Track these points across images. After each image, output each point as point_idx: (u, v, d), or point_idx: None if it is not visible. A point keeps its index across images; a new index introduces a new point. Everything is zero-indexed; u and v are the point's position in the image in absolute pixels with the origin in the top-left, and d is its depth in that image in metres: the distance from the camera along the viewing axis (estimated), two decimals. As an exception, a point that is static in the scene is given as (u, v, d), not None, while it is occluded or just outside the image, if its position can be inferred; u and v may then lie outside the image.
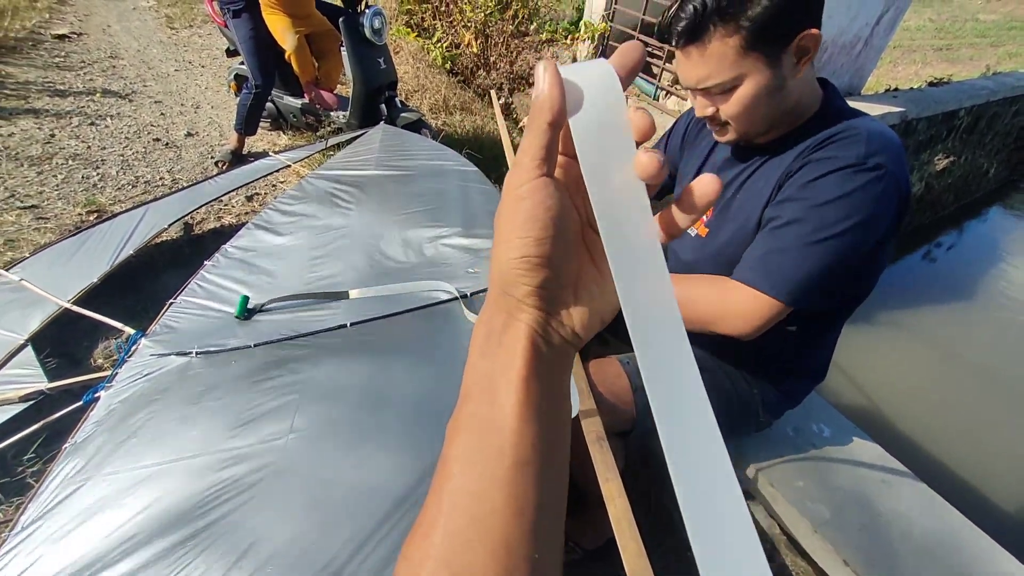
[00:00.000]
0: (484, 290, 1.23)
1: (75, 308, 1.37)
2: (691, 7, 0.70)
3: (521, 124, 3.81)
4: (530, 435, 0.22)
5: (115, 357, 1.37)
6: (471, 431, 0.23)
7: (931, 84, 3.99)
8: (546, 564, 0.22)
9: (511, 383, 0.23)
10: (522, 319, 0.24)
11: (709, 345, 1.01)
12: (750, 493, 1.10)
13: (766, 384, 0.97)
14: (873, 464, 1.09)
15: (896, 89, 3.74)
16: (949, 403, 2.55)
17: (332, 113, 2.66)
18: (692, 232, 0.96)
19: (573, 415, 0.89)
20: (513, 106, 4.09)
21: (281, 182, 2.51)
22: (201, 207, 1.89)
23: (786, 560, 1.10)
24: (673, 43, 0.75)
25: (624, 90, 0.24)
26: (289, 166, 2.06)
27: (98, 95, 3.08)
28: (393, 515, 0.76)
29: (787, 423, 1.11)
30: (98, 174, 2.38)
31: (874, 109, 3.06)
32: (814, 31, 0.70)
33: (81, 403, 1.03)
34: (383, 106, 2.52)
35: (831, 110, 0.80)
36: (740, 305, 0.77)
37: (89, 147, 2.57)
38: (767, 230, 0.78)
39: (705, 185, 0.23)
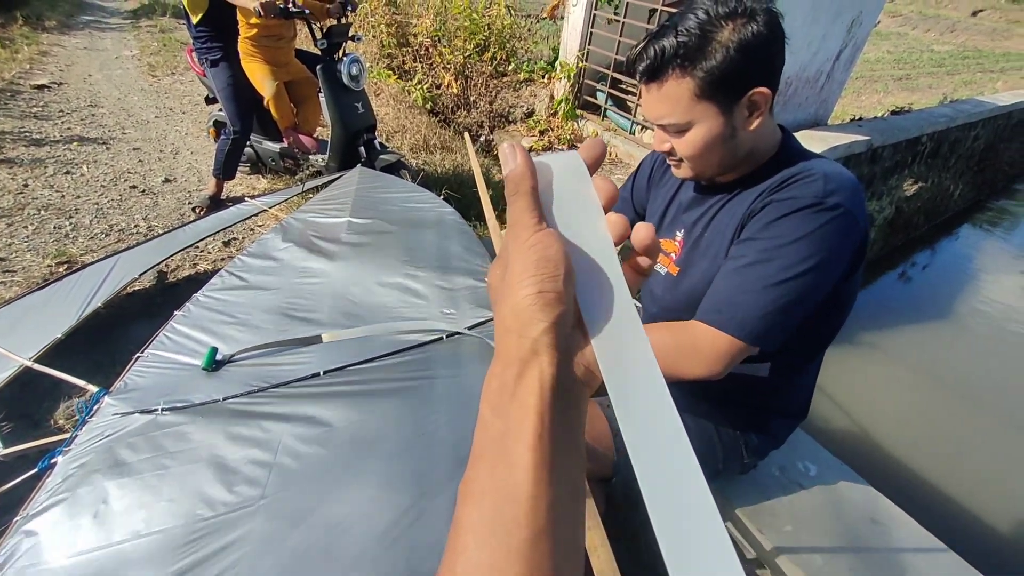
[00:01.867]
0: (459, 332, 1.20)
1: (36, 366, 1.31)
2: (653, 49, 0.74)
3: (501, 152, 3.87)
4: (547, 500, 0.22)
5: (76, 418, 1.31)
6: (485, 498, 0.22)
7: (893, 112, 4.17)
8: None
9: (526, 442, 0.22)
10: (536, 365, 0.24)
11: (690, 392, 0.99)
12: (739, 540, 1.06)
13: (748, 427, 0.96)
14: (861, 503, 1.06)
15: (861, 119, 3.89)
16: (934, 430, 2.55)
17: (311, 156, 2.68)
18: (663, 271, 0.97)
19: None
20: (494, 143, 4.17)
21: (259, 226, 2.49)
22: (175, 254, 1.86)
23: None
24: (636, 78, 0.79)
25: (591, 175, 0.28)
26: (266, 210, 2.05)
27: (75, 143, 3.07)
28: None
29: (772, 463, 1.09)
30: (71, 224, 2.34)
31: (841, 138, 3.17)
32: (764, 90, 0.74)
33: (36, 470, 0.97)
34: (362, 149, 2.55)
35: (789, 152, 0.83)
36: (702, 344, 0.77)
37: (63, 196, 2.54)
38: (730, 268, 0.79)
39: (639, 233, 0.27)
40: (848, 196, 0.73)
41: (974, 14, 16.99)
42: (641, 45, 0.76)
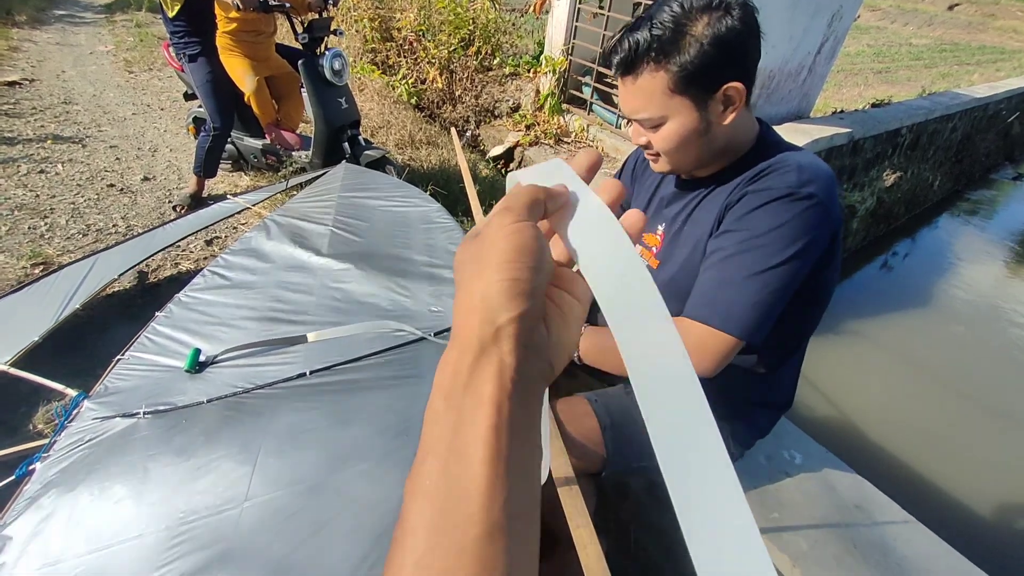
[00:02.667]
0: (447, 329, 1.20)
1: (12, 371, 1.28)
2: (628, 42, 0.74)
3: (489, 155, 3.86)
4: (501, 496, 0.21)
5: (56, 423, 1.28)
6: (436, 495, 0.21)
7: (874, 105, 4.23)
8: None
9: (480, 435, 0.21)
10: (497, 353, 0.23)
11: None
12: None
13: (733, 417, 0.97)
14: (847, 490, 1.08)
15: (842, 111, 3.95)
16: (916, 416, 2.61)
17: (294, 153, 2.64)
18: (644, 263, 0.97)
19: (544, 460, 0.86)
20: (480, 138, 4.15)
21: (242, 224, 2.45)
22: (156, 254, 1.82)
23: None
24: (612, 71, 0.79)
25: (588, 183, 0.29)
26: (249, 208, 2.02)
27: (49, 141, 2.98)
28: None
29: (759, 452, 1.11)
30: (46, 224, 2.28)
31: (824, 131, 3.21)
32: (738, 85, 0.74)
33: (14, 477, 0.95)
34: (346, 144, 2.52)
35: (766, 144, 0.84)
36: (696, 343, 0.77)
37: (38, 196, 2.47)
38: (712, 262, 0.79)
39: (630, 218, 0.29)
40: (822, 186, 0.75)
41: (950, 8, 17.29)
42: (616, 37, 0.76)
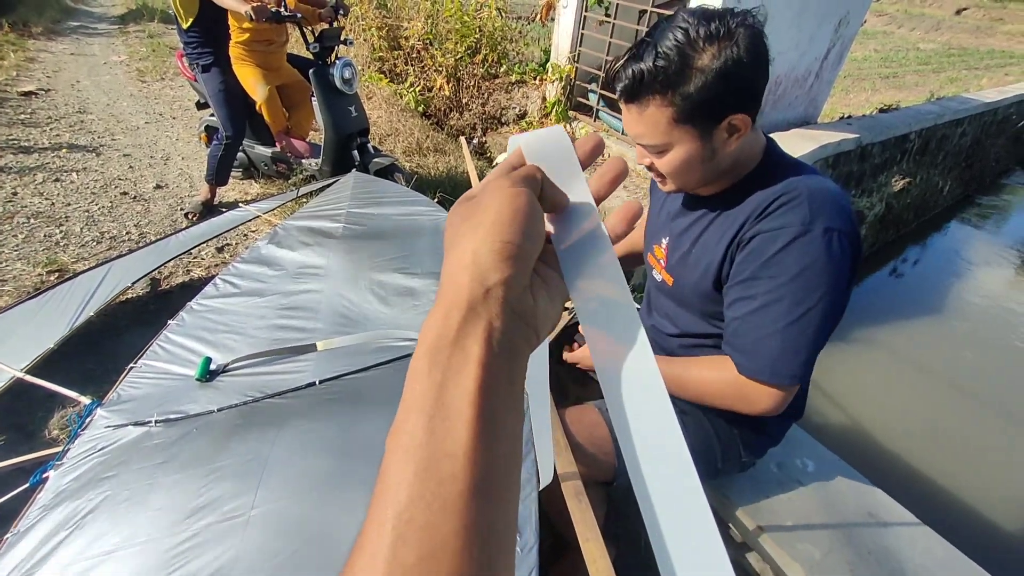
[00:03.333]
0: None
1: (28, 377, 1.30)
2: (631, 71, 0.72)
3: (495, 162, 3.88)
4: (485, 455, 0.21)
5: (70, 430, 1.29)
6: (419, 452, 0.20)
7: (881, 111, 4.22)
8: None
9: (466, 394, 0.21)
10: (484, 314, 0.23)
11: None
12: (737, 535, 1.07)
13: (744, 426, 0.96)
14: (860, 498, 1.07)
15: (850, 116, 3.93)
16: (928, 423, 2.58)
17: (304, 161, 2.67)
18: (658, 276, 0.99)
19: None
20: (487, 145, 4.17)
21: (252, 231, 2.48)
22: (168, 262, 1.85)
23: (781, 606, 1.06)
24: (616, 96, 0.78)
25: (587, 165, 0.30)
26: (260, 216, 2.04)
27: (64, 150, 3.04)
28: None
29: (770, 460, 1.10)
30: (61, 232, 2.32)
31: (831, 137, 3.21)
32: (743, 116, 0.73)
33: (28, 484, 0.96)
34: (355, 152, 2.54)
35: (772, 161, 0.84)
36: (755, 395, 0.80)
37: (53, 204, 2.51)
38: (747, 312, 0.79)
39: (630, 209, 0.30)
40: (834, 215, 0.74)
41: (958, 12, 17.23)
42: (620, 63, 0.75)
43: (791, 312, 0.74)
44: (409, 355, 1.15)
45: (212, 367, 1.12)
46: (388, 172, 2.49)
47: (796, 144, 3.01)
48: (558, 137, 0.30)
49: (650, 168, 0.84)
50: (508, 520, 0.21)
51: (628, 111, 0.78)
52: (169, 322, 1.25)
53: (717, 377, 0.84)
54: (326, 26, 2.39)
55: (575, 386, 1.23)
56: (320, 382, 1.07)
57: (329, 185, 1.96)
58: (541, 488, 0.67)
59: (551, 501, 0.90)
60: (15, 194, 2.53)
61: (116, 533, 0.80)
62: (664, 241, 0.96)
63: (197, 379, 1.09)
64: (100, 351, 1.69)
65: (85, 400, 1.17)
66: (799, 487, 1.08)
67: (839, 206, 0.76)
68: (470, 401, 0.21)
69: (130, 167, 2.99)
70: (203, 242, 1.90)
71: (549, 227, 0.29)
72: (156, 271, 2.08)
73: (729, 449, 0.96)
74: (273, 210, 2.06)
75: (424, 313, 1.28)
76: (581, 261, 0.28)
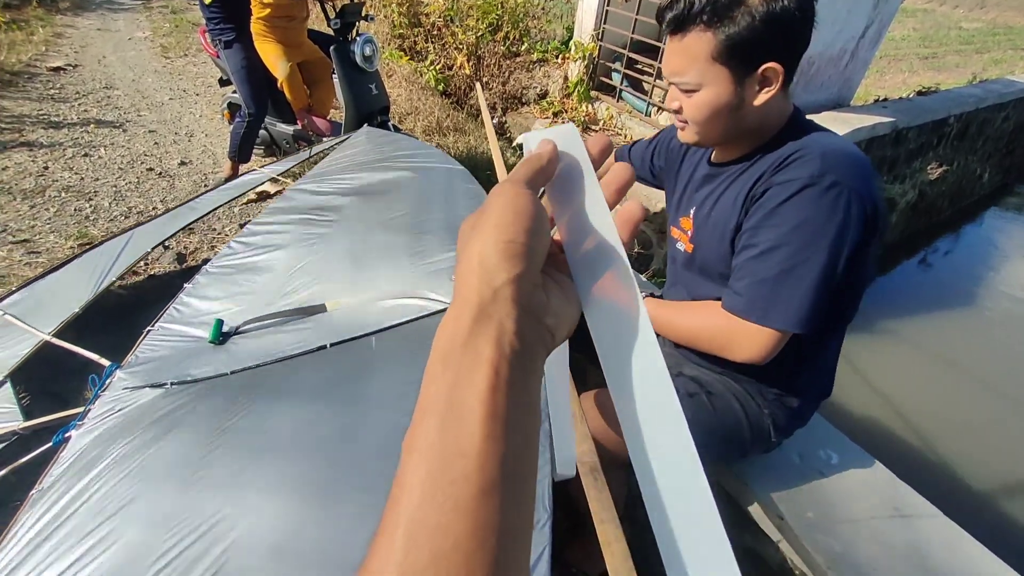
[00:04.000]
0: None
1: (55, 341, 1.34)
2: (683, 1, 0.74)
3: (515, 142, 3.83)
4: (498, 455, 0.21)
5: (91, 392, 1.33)
6: (432, 452, 0.21)
7: (919, 93, 4.03)
8: None
9: (477, 393, 0.21)
10: (496, 314, 0.23)
11: (715, 369, 0.99)
12: (758, 525, 1.06)
13: (775, 404, 0.95)
14: (884, 491, 1.05)
15: (885, 99, 3.77)
16: (957, 418, 2.51)
17: (325, 139, 2.67)
18: (681, 247, 1.00)
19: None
20: (507, 125, 4.12)
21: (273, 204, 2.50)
22: (188, 227, 1.86)
23: (798, 595, 1.06)
24: (661, 27, 0.80)
25: (599, 167, 0.30)
26: (276, 179, 2.04)
27: (92, 126, 3.09)
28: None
29: (792, 449, 1.08)
30: (91, 206, 2.37)
31: (865, 120, 3.08)
32: (778, 66, 0.74)
33: (51, 444, 0.99)
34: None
35: (794, 127, 0.83)
36: (742, 338, 0.80)
37: (82, 179, 2.57)
38: (745, 259, 0.81)
39: (617, 172, 0.30)
40: (846, 172, 0.74)
41: (1006, -11, 16.26)
42: None
43: (787, 260, 0.75)
44: (420, 317, 1.14)
45: (225, 329, 1.13)
46: (408, 151, 2.48)
47: (828, 127, 2.90)
48: (570, 136, 0.29)
49: (677, 112, 0.85)
50: (523, 520, 0.21)
51: (671, 43, 0.79)
52: (185, 285, 1.27)
53: (708, 321, 0.85)
54: (347, 1, 2.36)
55: (595, 368, 1.22)
56: (331, 345, 1.07)
57: (343, 141, 1.94)
58: (558, 479, 0.67)
59: (570, 481, 0.90)
60: (46, 168, 2.59)
61: (130, 491, 0.81)
62: (691, 211, 0.96)
63: (210, 342, 1.10)
64: (128, 322, 1.73)
65: (106, 363, 1.20)
66: (822, 478, 1.06)
67: (856, 166, 0.76)
68: (481, 400, 0.21)
69: (155, 143, 3.03)
70: (221, 205, 1.89)
71: (559, 234, 0.30)
72: (182, 247, 2.12)
73: (758, 428, 0.95)
74: (288, 170, 2.05)
75: (435, 271, 1.27)
76: (594, 269, 0.28)
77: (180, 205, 1.86)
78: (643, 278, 1.69)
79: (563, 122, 3.75)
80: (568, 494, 0.95)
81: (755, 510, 1.05)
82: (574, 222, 0.28)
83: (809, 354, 0.91)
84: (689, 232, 0.97)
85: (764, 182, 0.79)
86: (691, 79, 0.77)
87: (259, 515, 0.77)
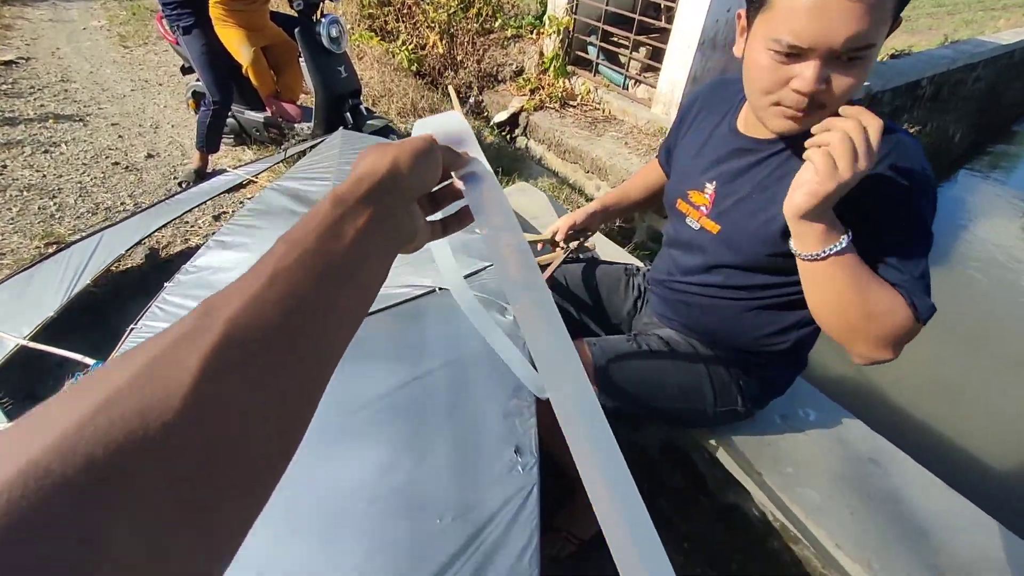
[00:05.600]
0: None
1: (32, 344, 1.31)
2: None
3: (493, 121, 3.78)
4: (326, 257, 0.27)
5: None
6: (290, 244, 0.27)
7: (893, 56, 4.05)
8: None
9: (316, 228, 0.27)
10: (348, 199, 0.29)
11: (683, 329, 1.00)
12: (739, 482, 1.09)
13: (748, 373, 0.96)
14: (861, 444, 1.09)
15: (859, 63, 3.78)
16: (934, 372, 2.59)
17: (296, 125, 2.60)
18: (695, 226, 0.91)
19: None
20: (484, 104, 4.05)
21: (248, 198, 2.44)
22: (160, 229, 1.82)
23: (779, 548, 1.09)
24: None
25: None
26: (253, 181, 2.00)
27: (51, 121, 2.96)
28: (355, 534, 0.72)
29: (773, 410, 1.11)
30: (55, 204, 2.29)
31: (839, 84, 3.09)
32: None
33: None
34: (348, 114, 2.47)
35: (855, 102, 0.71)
36: (903, 341, 0.73)
37: (44, 176, 2.47)
38: (900, 258, 0.71)
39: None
40: (920, 154, 0.73)
41: (977, -51, 16.28)
42: None
43: (924, 255, 0.72)
44: (405, 301, 1.14)
45: None
46: (383, 134, 2.43)
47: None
48: (456, 119, 0.40)
49: (812, 97, 0.65)
50: (322, 354, 0.28)
51: (836, 2, 0.59)
52: (166, 284, 1.25)
53: (890, 308, 0.70)
54: (309, -21, 2.27)
55: (572, 328, 1.23)
56: None
57: (317, 144, 1.91)
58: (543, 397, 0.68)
59: (553, 440, 0.88)
60: (4, 167, 2.49)
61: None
62: (709, 187, 0.88)
63: None
64: (105, 320, 1.70)
65: (90, 362, 1.18)
66: (800, 435, 1.09)
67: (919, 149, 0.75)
68: (316, 230, 0.28)
69: (119, 136, 2.92)
70: (193, 207, 1.87)
71: (459, 184, 0.39)
72: (155, 241, 2.07)
73: (724, 396, 0.96)
74: (262, 172, 2.01)
75: (413, 259, 1.25)
76: (485, 207, 0.37)
77: (151, 206, 1.82)
78: (625, 252, 1.69)
79: (540, 99, 3.71)
80: (556, 460, 0.96)
81: (734, 469, 1.07)
82: (469, 179, 0.38)
83: (783, 312, 0.88)
84: (704, 208, 0.88)
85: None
86: (872, 38, 0.61)
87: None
